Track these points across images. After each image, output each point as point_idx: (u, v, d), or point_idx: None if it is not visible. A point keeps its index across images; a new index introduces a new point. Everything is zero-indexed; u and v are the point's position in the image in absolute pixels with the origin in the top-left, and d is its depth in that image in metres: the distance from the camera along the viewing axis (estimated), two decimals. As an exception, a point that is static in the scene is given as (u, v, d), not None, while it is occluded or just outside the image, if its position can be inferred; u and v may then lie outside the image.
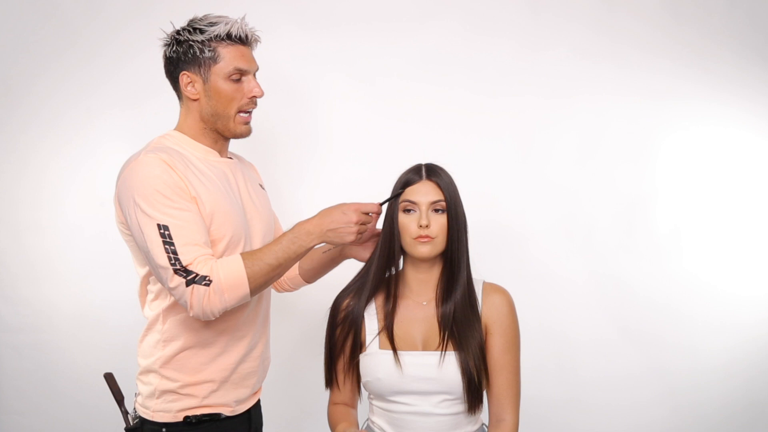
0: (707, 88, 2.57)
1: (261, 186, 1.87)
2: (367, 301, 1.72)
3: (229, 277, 1.51)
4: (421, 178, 1.67)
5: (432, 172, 1.67)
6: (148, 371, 1.70)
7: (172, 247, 1.50)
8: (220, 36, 1.62)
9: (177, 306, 1.65)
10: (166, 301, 1.66)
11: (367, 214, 1.62)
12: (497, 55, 2.55)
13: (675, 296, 2.59)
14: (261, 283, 1.56)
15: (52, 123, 2.57)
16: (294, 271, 1.96)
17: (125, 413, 1.74)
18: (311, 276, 1.96)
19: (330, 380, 1.75)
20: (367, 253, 1.78)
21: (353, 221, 1.59)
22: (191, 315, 1.53)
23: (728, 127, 2.58)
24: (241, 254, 1.56)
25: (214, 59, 1.63)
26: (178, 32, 1.66)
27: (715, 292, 2.59)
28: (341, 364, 1.73)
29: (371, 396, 1.74)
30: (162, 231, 1.50)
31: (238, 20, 1.66)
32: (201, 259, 1.51)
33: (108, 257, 2.51)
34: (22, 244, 2.59)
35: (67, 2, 2.55)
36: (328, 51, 2.55)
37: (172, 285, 1.51)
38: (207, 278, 1.50)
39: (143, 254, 1.58)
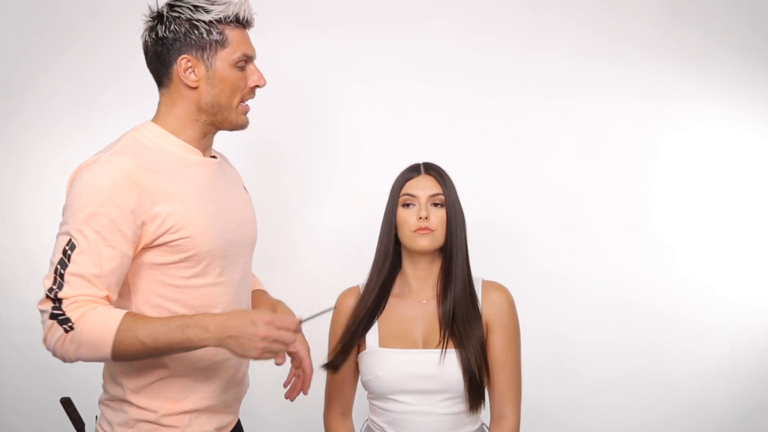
0: (707, 88, 2.57)
1: (245, 188, 1.70)
2: (367, 300, 1.72)
3: (93, 335, 1.30)
4: (419, 172, 1.69)
5: (431, 167, 1.70)
6: (118, 399, 1.50)
7: (63, 271, 1.32)
8: (228, 17, 1.44)
9: None
10: None
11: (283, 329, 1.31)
12: (497, 55, 2.55)
13: (674, 296, 2.59)
14: (126, 355, 1.33)
15: (52, 123, 2.57)
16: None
17: None
18: None
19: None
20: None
21: (260, 335, 1.28)
22: (45, 346, 1.34)
23: (728, 127, 2.58)
24: (127, 313, 1.33)
25: (221, 43, 1.45)
26: (172, 8, 1.45)
27: (715, 294, 2.59)
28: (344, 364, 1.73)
29: (371, 395, 1.73)
30: (66, 248, 1.33)
31: (243, 1, 1.48)
32: (81, 300, 1.31)
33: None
34: (23, 243, 2.59)
35: (66, 3, 2.56)
36: (328, 51, 2.55)
37: (40, 306, 1.33)
38: (70, 323, 1.30)
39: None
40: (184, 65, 1.45)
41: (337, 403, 1.75)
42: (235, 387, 1.60)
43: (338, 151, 2.58)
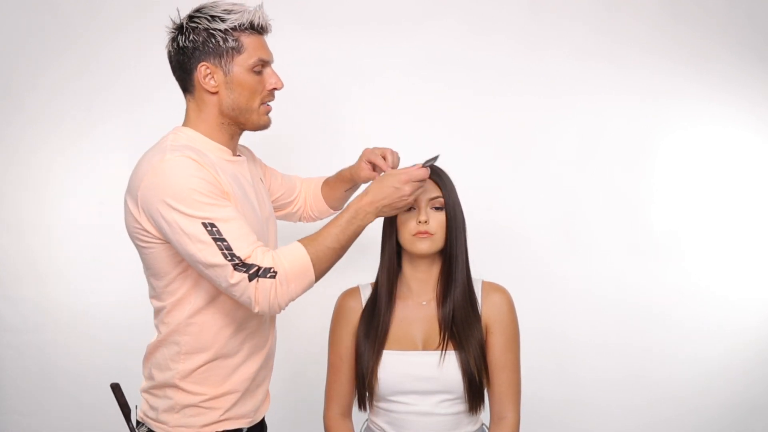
0: (706, 88, 2.57)
1: (261, 180, 1.79)
2: (368, 302, 1.73)
3: (295, 265, 1.43)
4: None
5: (431, 171, 1.67)
6: (164, 386, 1.59)
7: (225, 243, 1.40)
8: (243, 25, 1.53)
9: (199, 317, 1.56)
10: (185, 312, 1.56)
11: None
12: (497, 54, 2.55)
13: (673, 297, 2.59)
14: (324, 268, 1.49)
15: (54, 124, 2.56)
16: (322, 204, 2.00)
17: (133, 430, 1.64)
18: (339, 204, 2.00)
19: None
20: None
21: (407, 194, 1.55)
22: (256, 311, 1.44)
23: (727, 127, 2.59)
24: (300, 240, 1.49)
25: (237, 49, 1.53)
26: (191, 19, 1.54)
27: (714, 294, 2.60)
28: (344, 364, 1.73)
29: (371, 396, 1.74)
30: (209, 228, 1.40)
31: (257, 7, 1.56)
32: (259, 251, 1.42)
33: (110, 257, 2.51)
34: (24, 244, 2.59)
35: (67, 3, 2.55)
36: (328, 50, 2.55)
37: (233, 281, 1.41)
38: (271, 270, 1.41)
39: (187, 259, 1.47)
40: (204, 72, 1.54)
41: (336, 403, 1.76)
42: (266, 366, 1.71)
43: (338, 151, 2.57)
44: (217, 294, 1.56)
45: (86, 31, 2.56)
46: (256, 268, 1.40)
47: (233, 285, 1.41)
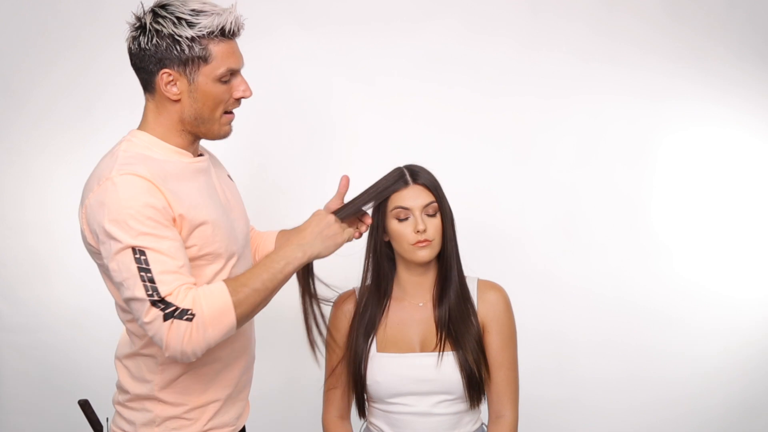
0: (706, 88, 2.57)
1: (229, 177, 1.68)
2: (365, 306, 1.72)
3: (214, 309, 1.32)
4: (407, 183, 1.63)
5: (417, 175, 1.64)
6: (142, 399, 1.50)
7: (149, 275, 1.30)
8: (212, 33, 1.38)
9: None
10: None
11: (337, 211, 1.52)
12: (496, 54, 2.55)
13: (672, 297, 2.59)
14: (248, 313, 1.38)
15: (56, 124, 2.56)
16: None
17: None
18: None
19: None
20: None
21: (332, 220, 1.50)
22: (166, 356, 1.33)
23: (726, 127, 2.58)
24: (224, 280, 1.38)
25: (204, 59, 1.40)
26: (155, 18, 1.39)
27: (713, 294, 2.60)
28: (340, 368, 1.73)
29: (369, 399, 1.73)
30: (137, 256, 1.30)
31: (230, 9, 1.42)
32: (182, 290, 1.31)
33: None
34: (26, 244, 2.60)
35: (67, 4, 2.55)
36: (328, 50, 2.55)
37: (147, 319, 1.30)
38: (189, 312, 1.30)
39: (116, 287, 1.39)
40: (166, 79, 1.41)
41: (334, 405, 1.75)
42: (247, 372, 1.63)
43: (337, 151, 2.58)
44: None
45: (86, 33, 2.56)
46: (174, 308, 1.30)
47: (147, 323, 1.31)
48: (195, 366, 1.49)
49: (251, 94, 1.49)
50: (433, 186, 1.64)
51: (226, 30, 1.40)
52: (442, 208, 1.64)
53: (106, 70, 2.55)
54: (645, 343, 2.60)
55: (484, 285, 1.73)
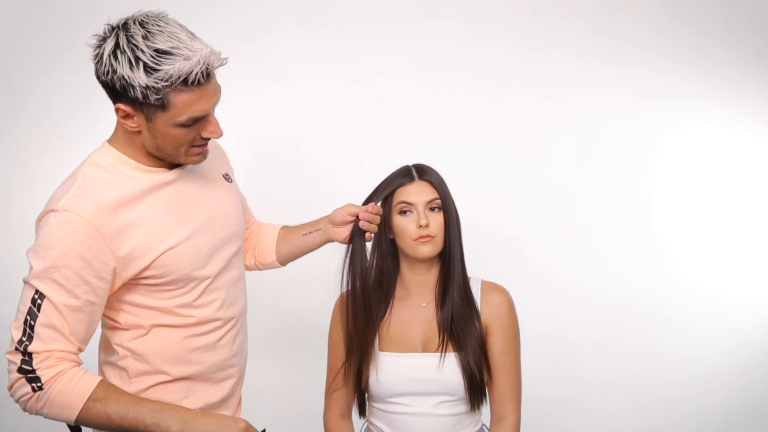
0: (707, 88, 2.57)
1: (225, 177, 1.57)
2: (368, 304, 1.72)
3: (61, 398, 1.27)
4: (413, 179, 1.64)
5: (423, 172, 1.65)
6: None
7: (33, 322, 1.26)
8: (171, 84, 1.24)
9: (148, 338, 1.42)
10: (130, 332, 1.43)
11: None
12: (496, 54, 2.56)
13: (673, 297, 2.59)
14: (87, 422, 1.31)
15: (57, 124, 2.55)
16: (270, 257, 1.78)
17: None
18: (288, 260, 1.79)
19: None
20: (347, 232, 1.66)
21: (242, 427, 1.34)
22: (7, 391, 1.32)
23: (726, 127, 2.59)
24: (101, 383, 1.31)
25: (162, 107, 1.26)
26: (114, 51, 1.26)
27: (714, 294, 2.60)
28: (342, 366, 1.73)
29: (370, 398, 1.73)
30: (35, 297, 1.28)
31: (201, 53, 1.24)
32: (54, 358, 1.27)
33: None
34: (24, 244, 2.58)
35: (67, 4, 2.55)
36: (328, 50, 2.55)
37: (8, 356, 1.29)
38: (39, 383, 1.26)
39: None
40: (121, 113, 1.31)
41: (336, 404, 1.75)
42: (236, 385, 1.58)
43: (337, 151, 2.58)
44: (162, 317, 1.43)
45: (87, 31, 2.54)
46: (31, 369, 1.27)
47: (7, 357, 1.30)
48: (172, 380, 1.45)
49: (221, 134, 1.36)
50: (438, 184, 1.65)
51: (189, 81, 1.25)
52: (446, 206, 1.64)
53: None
54: (645, 343, 2.60)
55: (488, 287, 1.73)
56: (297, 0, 2.55)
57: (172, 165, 1.42)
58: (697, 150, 2.58)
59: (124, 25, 1.28)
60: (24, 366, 1.28)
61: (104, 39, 1.30)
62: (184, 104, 1.27)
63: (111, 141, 1.41)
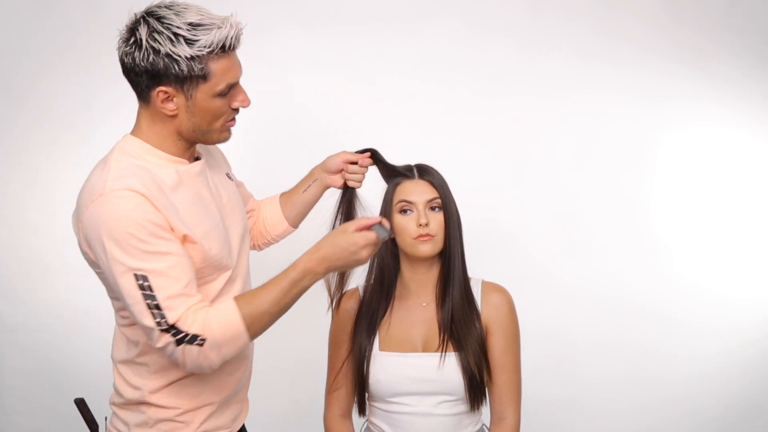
0: (707, 88, 2.57)
1: (228, 176, 1.64)
2: (368, 303, 1.72)
3: (226, 332, 1.33)
4: (413, 177, 1.66)
5: (424, 172, 1.67)
6: (135, 402, 1.49)
7: (155, 302, 1.30)
8: (213, 51, 1.34)
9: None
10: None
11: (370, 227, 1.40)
12: (497, 54, 2.56)
13: (673, 297, 2.59)
14: (259, 330, 1.38)
15: (59, 124, 2.56)
16: (281, 226, 1.83)
17: None
18: (299, 220, 1.85)
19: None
20: (343, 179, 1.74)
21: (363, 258, 1.39)
22: (186, 370, 1.37)
23: (726, 127, 2.59)
24: (235, 298, 1.37)
25: (203, 77, 1.35)
26: (151, 34, 1.32)
27: (714, 294, 2.60)
28: (344, 368, 1.73)
29: (370, 397, 1.74)
30: (140, 282, 1.30)
31: (230, 20, 1.36)
32: (190, 313, 1.32)
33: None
34: (24, 244, 2.60)
35: (66, 4, 2.55)
36: (328, 50, 2.55)
37: (160, 345, 1.32)
38: (199, 338, 1.31)
39: (122, 303, 1.38)
40: (162, 96, 1.37)
41: (336, 404, 1.75)
42: (245, 376, 1.62)
43: (337, 151, 2.57)
44: None
45: (87, 32, 2.56)
46: (184, 334, 1.31)
47: (161, 347, 1.33)
48: (186, 376, 1.48)
49: (250, 103, 1.46)
50: (438, 184, 1.65)
51: (227, 46, 1.36)
52: (446, 206, 1.65)
53: (106, 70, 2.54)
54: (645, 343, 2.60)
55: (489, 287, 1.73)
56: (297, 0, 2.56)
57: (192, 157, 1.49)
58: (697, 150, 2.58)
59: (149, 13, 1.35)
60: (178, 338, 1.31)
61: (133, 29, 1.35)
62: (222, 71, 1.37)
63: (134, 132, 1.45)
